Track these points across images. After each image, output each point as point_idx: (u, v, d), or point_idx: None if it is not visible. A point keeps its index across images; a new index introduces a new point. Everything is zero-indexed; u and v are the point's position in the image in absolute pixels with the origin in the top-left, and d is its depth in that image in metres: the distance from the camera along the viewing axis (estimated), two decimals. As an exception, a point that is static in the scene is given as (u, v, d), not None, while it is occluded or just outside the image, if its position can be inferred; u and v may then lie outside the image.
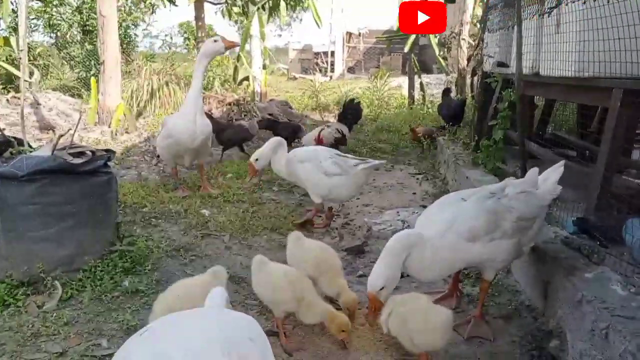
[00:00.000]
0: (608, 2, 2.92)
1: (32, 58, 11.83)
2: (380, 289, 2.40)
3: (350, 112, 7.89)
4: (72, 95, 10.81)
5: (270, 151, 4.24)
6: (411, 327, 2.39)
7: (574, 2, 3.31)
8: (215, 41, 4.83)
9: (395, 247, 2.44)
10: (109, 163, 3.40)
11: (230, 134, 6.64)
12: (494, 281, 3.12)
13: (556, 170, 2.94)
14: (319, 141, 6.61)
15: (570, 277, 2.55)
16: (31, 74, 10.18)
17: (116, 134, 7.88)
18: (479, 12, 9.95)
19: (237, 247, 3.95)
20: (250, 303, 3.06)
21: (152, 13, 13.18)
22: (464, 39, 9.92)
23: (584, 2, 3.15)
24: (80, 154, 3.46)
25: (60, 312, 2.85)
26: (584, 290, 2.39)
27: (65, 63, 12.68)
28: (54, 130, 7.84)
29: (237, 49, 9.95)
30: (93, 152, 3.53)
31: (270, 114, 7.13)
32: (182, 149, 4.86)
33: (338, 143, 6.94)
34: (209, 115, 6.63)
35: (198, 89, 4.83)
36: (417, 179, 6.16)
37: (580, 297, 2.38)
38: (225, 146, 6.73)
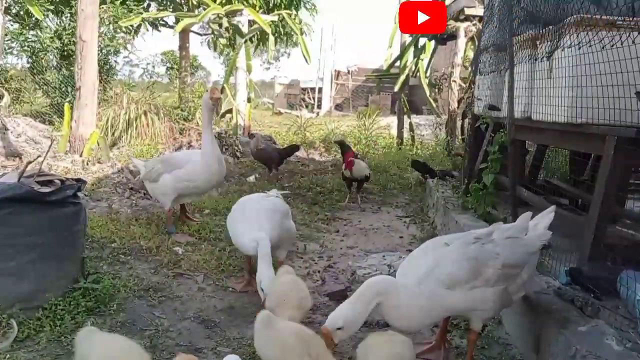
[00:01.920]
0: (602, 48, 3.03)
1: (3, 81, 11.81)
2: (338, 329, 2.42)
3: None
4: (44, 122, 10.74)
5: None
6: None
7: (569, 47, 3.43)
8: (206, 91, 5.13)
9: (365, 293, 2.47)
10: (78, 193, 3.35)
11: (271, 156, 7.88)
12: (483, 332, 3.10)
13: (546, 215, 2.97)
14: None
15: (563, 330, 2.55)
16: (0, 97, 10.15)
17: (87, 164, 7.81)
18: (471, 54, 10.25)
19: (211, 288, 3.88)
20: (222, 350, 2.98)
21: (133, 39, 13.29)
22: (454, 81, 10.17)
23: (579, 48, 3.26)
24: (49, 182, 3.42)
25: (15, 353, 2.75)
26: (577, 344, 2.38)
27: (39, 88, 12.67)
28: (21, 158, 7.75)
29: (221, 80, 10.16)
30: (62, 181, 3.49)
31: (261, 148, 7.53)
32: (199, 190, 4.99)
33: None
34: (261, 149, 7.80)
35: (209, 136, 4.80)
36: (405, 222, 6.18)
37: (574, 351, 2.37)
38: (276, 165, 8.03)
